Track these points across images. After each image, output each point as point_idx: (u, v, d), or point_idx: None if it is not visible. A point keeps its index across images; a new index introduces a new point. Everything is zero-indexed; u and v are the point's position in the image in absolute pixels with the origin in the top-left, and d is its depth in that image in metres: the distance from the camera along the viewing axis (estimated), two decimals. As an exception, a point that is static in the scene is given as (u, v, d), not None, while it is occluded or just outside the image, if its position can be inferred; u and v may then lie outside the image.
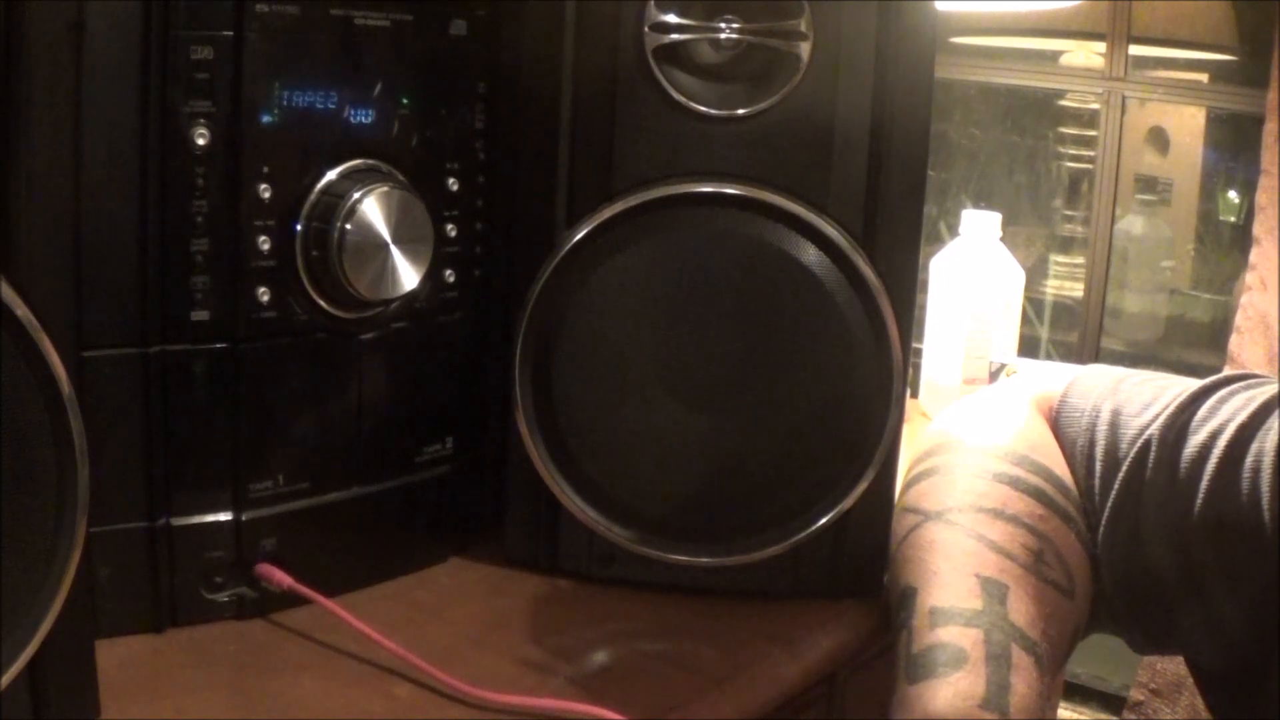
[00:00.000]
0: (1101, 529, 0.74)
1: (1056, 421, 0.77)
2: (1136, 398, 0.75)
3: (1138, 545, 0.72)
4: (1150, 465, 0.72)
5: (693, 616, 0.79)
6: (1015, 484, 0.73)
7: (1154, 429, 0.73)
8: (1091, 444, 0.75)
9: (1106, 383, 0.77)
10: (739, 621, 0.78)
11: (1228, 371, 0.76)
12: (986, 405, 0.81)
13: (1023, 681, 0.63)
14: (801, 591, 0.81)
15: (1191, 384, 0.75)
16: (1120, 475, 0.73)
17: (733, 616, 0.79)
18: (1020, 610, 0.66)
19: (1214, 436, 0.71)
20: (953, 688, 0.62)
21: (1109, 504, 0.73)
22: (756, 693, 0.72)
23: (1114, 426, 0.74)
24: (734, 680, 0.72)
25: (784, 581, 0.81)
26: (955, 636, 0.64)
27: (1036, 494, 0.73)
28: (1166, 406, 0.73)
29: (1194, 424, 0.72)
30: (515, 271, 0.79)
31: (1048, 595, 0.69)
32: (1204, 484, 0.70)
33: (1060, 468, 0.75)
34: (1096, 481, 0.74)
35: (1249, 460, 0.69)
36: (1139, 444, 0.73)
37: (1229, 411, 0.72)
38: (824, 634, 0.78)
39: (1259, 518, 0.68)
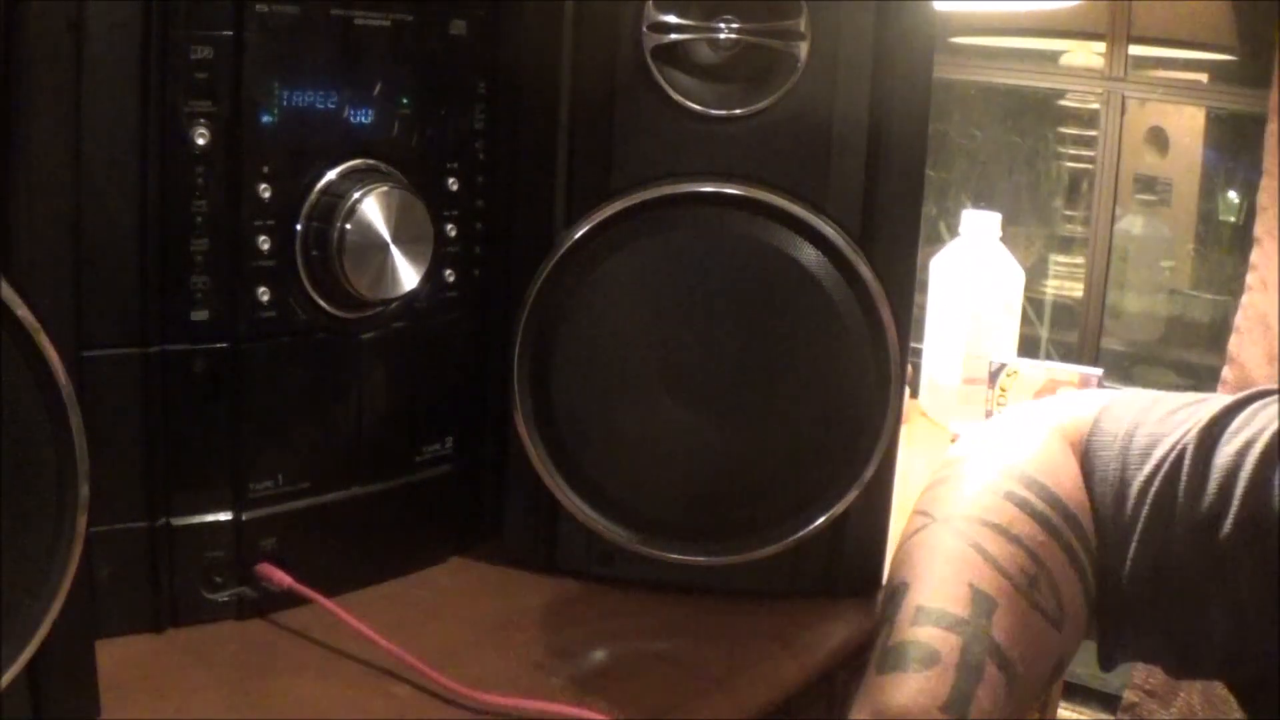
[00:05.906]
0: (1133, 546, 0.73)
1: (1088, 448, 0.76)
2: (1170, 419, 0.74)
3: (1170, 559, 0.72)
4: (1184, 477, 0.71)
5: (693, 616, 0.79)
6: (1023, 506, 0.72)
7: (1186, 441, 0.72)
8: (1124, 468, 0.74)
9: (1139, 406, 0.77)
10: (739, 621, 0.78)
11: (1262, 386, 0.76)
12: (1009, 424, 0.81)
13: (988, 697, 0.63)
14: (800, 591, 0.81)
15: (1225, 399, 0.74)
16: (1152, 490, 0.72)
17: (732, 616, 0.79)
18: (1004, 628, 0.66)
19: (1248, 446, 0.70)
20: (918, 684, 0.62)
21: (1140, 520, 0.73)
22: (756, 693, 0.72)
23: (1148, 449, 0.74)
24: (734, 680, 0.72)
25: (783, 581, 0.81)
26: (933, 638, 0.64)
27: (1042, 520, 0.72)
28: (1200, 421, 0.72)
29: (1226, 435, 0.71)
30: (515, 271, 0.79)
31: (1034, 621, 0.69)
32: (1238, 492, 0.69)
33: (1072, 499, 0.74)
34: (1129, 504, 0.73)
35: None
36: (1172, 456, 0.72)
37: (1263, 421, 0.71)
38: (824, 634, 0.78)
39: None
